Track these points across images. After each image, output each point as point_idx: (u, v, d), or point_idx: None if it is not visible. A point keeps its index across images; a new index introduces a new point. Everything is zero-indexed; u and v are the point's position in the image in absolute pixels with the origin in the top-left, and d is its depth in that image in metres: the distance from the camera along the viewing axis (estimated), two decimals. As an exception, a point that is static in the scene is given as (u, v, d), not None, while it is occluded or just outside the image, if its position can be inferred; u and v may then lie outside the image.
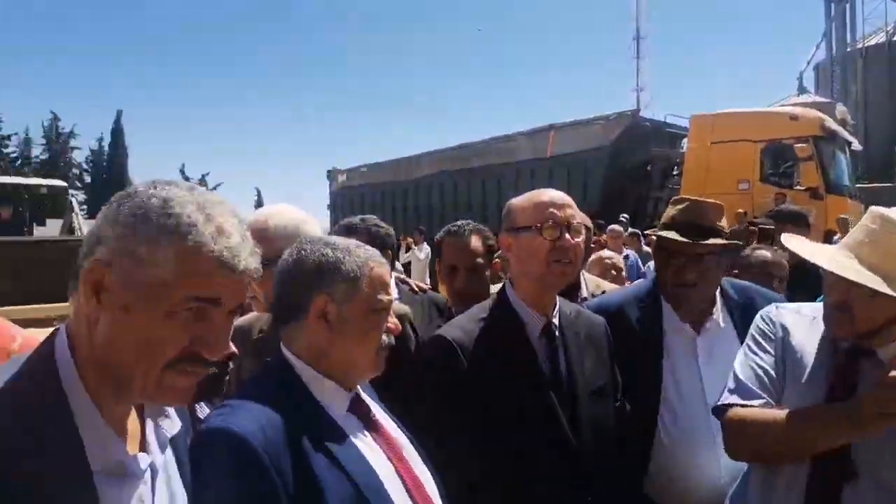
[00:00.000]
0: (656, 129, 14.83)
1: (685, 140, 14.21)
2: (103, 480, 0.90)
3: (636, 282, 2.35)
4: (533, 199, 1.79)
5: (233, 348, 1.64)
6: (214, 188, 44.77)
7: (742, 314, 2.06)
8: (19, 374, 0.91)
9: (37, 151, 43.78)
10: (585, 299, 2.58)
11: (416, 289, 2.98)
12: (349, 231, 2.57)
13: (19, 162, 41.87)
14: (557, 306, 1.85)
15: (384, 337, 1.41)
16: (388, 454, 1.39)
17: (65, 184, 14.12)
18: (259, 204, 50.71)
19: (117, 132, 45.09)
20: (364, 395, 1.48)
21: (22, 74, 66.30)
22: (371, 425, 1.42)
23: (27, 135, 43.41)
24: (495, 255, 2.58)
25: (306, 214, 2.04)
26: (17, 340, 3.37)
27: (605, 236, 8.52)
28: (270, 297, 1.85)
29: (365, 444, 1.36)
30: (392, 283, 2.79)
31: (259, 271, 0.99)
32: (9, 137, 42.43)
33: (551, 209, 1.73)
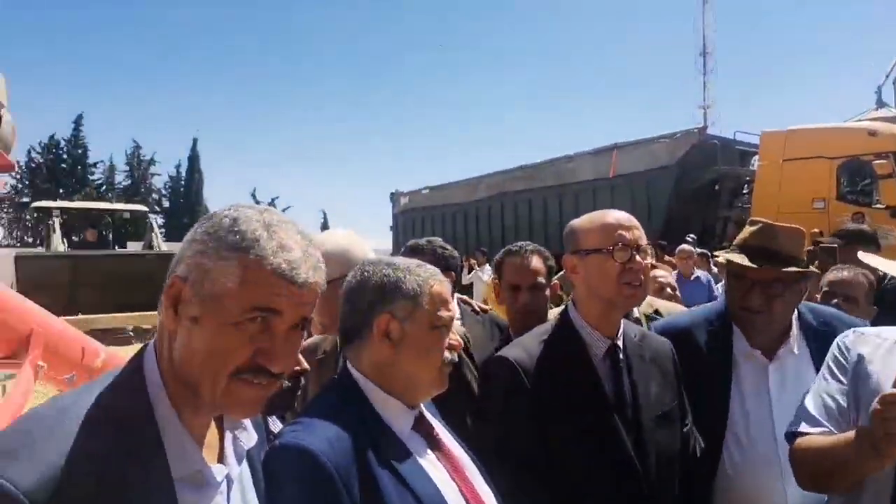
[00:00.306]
0: (725, 146, 14.36)
1: (755, 158, 13.70)
2: (183, 488, 0.96)
3: (707, 304, 2.29)
4: (599, 220, 1.78)
5: (304, 364, 1.70)
6: (283, 211, 46.22)
7: (820, 341, 1.96)
8: (111, 386, 0.98)
9: (120, 178, 46.49)
10: (638, 319, 2.54)
11: (478, 309, 3.01)
12: (415, 252, 2.63)
13: (104, 188, 44.53)
14: (622, 328, 1.83)
15: (447, 353, 1.44)
16: (451, 473, 1.40)
17: (145, 208, 14.99)
18: (325, 226, 52.14)
19: (193, 159, 47.41)
20: (427, 414, 1.50)
21: (106, 105, 70.76)
22: (435, 444, 1.44)
23: (111, 162, 46.23)
24: (554, 277, 2.57)
25: (355, 239, 2.10)
26: (101, 357, 3.59)
27: (672, 257, 8.29)
28: (324, 319, 1.94)
29: (429, 462, 1.38)
30: (454, 302, 2.84)
31: (323, 286, 1.03)
32: (95, 165, 45.29)
33: (620, 231, 1.72)
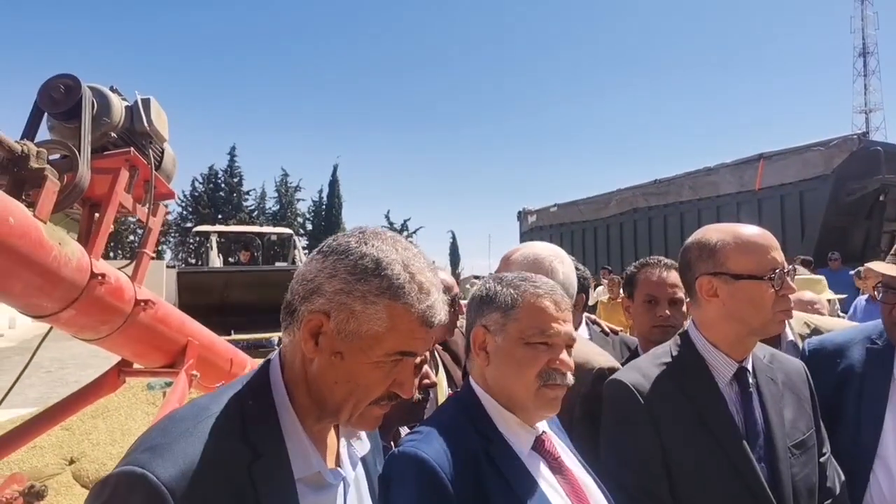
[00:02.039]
0: (890, 153, 12.86)
1: (927, 165, 12.16)
2: (304, 488, 1.03)
3: (874, 321, 2.04)
4: (748, 240, 1.62)
5: (432, 377, 1.78)
6: (415, 232, 47.80)
7: None
8: (240, 392, 1.07)
9: (270, 204, 50.27)
10: (793, 343, 2.29)
11: (608, 330, 2.89)
12: None
13: (255, 213, 48.45)
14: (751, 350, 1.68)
15: (558, 377, 1.37)
16: (572, 499, 1.35)
17: (290, 231, 16.16)
18: (454, 246, 52.96)
19: (334, 184, 50.26)
20: (552, 435, 1.46)
21: (259, 137, 77.27)
22: (557, 467, 1.40)
23: (262, 189, 50.18)
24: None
25: (555, 252, 2.13)
26: (247, 367, 3.85)
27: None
28: None
29: (548, 484, 1.35)
30: (583, 324, 2.73)
31: (446, 321, 1.09)
32: (248, 192, 49.38)
33: (773, 254, 1.60)
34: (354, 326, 1.00)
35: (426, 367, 1.78)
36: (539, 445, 1.40)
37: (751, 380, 1.64)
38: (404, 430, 1.71)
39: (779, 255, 1.60)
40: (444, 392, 1.98)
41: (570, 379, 1.40)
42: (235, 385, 1.09)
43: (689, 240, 1.73)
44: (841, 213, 12.56)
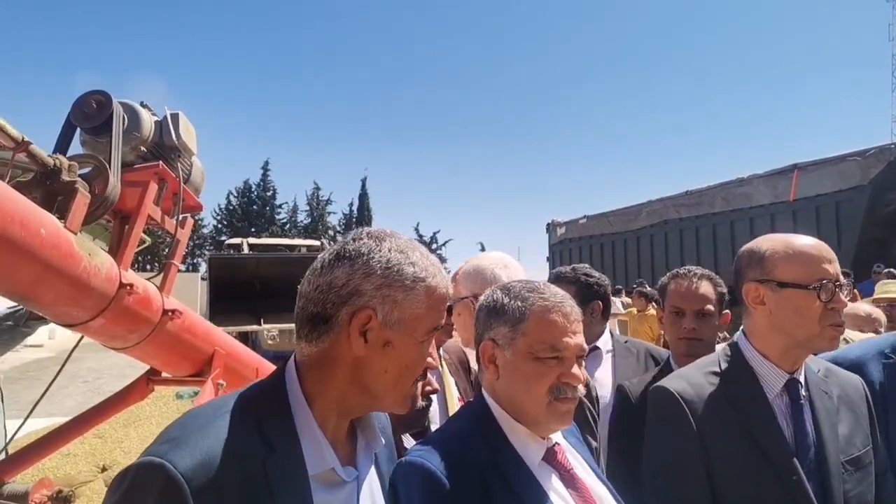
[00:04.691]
0: (930, 164, 12.51)
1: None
2: (317, 485, 1.04)
3: (885, 335, 1.98)
4: (797, 248, 1.58)
5: (434, 384, 1.79)
6: (444, 244, 47.89)
7: None
8: (257, 392, 1.10)
9: (301, 217, 50.99)
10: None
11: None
12: (559, 280, 2.58)
13: (287, 226, 49.15)
14: (804, 362, 1.63)
15: (569, 390, 1.34)
16: None
17: (318, 243, 16.36)
18: (483, 258, 52.81)
19: (363, 197, 50.82)
20: (566, 448, 1.44)
21: (292, 152, 78.45)
22: (569, 480, 1.37)
23: (294, 203, 50.92)
24: (725, 307, 2.35)
25: (495, 261, 2.13)
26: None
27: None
28: (463, 334, 2.04)
29: (558, 496, 1.32)
30: (606, 333, 2.70)
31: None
32: (281, 206, 50.17)
33: (825, 265, 1.54)
34: (398, 314, 1.07)
35: (428, 374, 1.79)
36: (551, 457, 1.38)
37: (802, 392, 1.58)
38: (406, 438, 1.70)
39: (831, 268, 1.55)
40: (451, 395, 1.97)
41: (582, 391, 1.38)
42: (252, 386, 1.12)
43: (742, 248, 1.71)
44: (878, 225, 12.24)
